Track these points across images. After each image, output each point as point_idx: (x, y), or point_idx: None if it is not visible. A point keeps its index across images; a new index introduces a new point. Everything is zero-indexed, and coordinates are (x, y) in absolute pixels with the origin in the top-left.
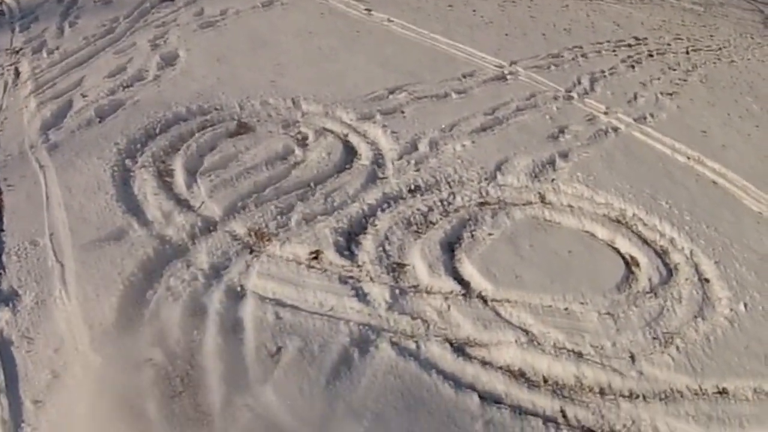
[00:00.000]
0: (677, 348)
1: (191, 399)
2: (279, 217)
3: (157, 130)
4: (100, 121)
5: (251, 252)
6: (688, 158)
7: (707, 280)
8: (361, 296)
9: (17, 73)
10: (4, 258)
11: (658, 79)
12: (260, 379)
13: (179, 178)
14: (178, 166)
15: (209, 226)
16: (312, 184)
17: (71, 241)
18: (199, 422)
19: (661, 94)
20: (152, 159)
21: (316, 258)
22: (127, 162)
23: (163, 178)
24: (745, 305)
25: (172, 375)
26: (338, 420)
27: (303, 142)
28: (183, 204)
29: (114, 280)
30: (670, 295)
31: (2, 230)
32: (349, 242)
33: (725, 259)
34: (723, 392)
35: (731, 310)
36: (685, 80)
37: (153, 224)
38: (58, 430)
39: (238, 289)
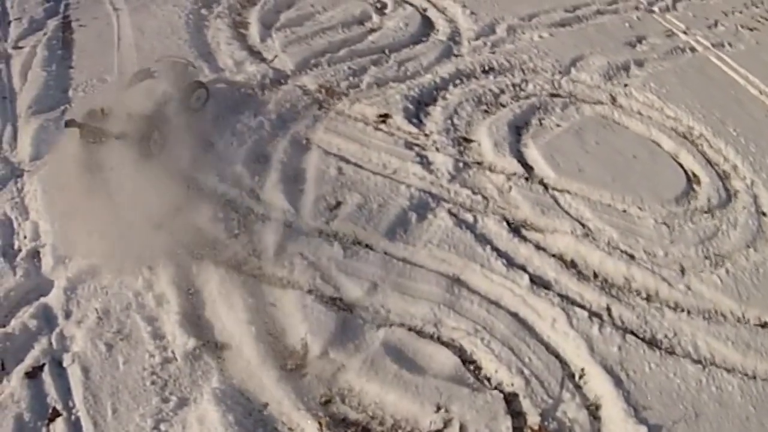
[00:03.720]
0: (727, 271)
1: (247, 239)
2: (351, 77)
3: None
4: None
5: (320, 107)
6: (760, 92)
7: (764, 214)
8: (425, 164)
9: None
10: (71, 92)
11: (741, 12)
12: (317, 230)
13: (254, 31)
14: (254, 19)
15: (280, 79)
16: (386, 51)
17: None
18: (250, 265)
19: (742, 26)
20: (228, 10)
21: (384, 121)
22: (203, 11)
23: (238, 29)
24: None
25: (231, 217)
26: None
27: (381, 10)
28: (256, 55)
29: None
30: (726, 219)
31: (72, 67)
32: (418, 110)
33: None
34: (765, 325)
35: None
36: (766, 19)
37: (224, 71)
38: None
39: (304, 141)
